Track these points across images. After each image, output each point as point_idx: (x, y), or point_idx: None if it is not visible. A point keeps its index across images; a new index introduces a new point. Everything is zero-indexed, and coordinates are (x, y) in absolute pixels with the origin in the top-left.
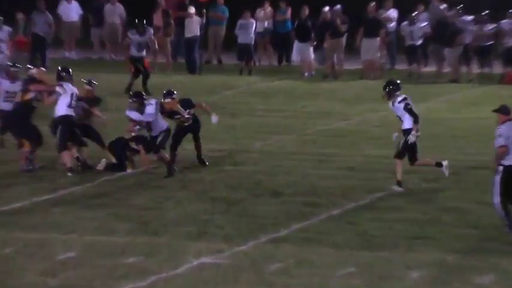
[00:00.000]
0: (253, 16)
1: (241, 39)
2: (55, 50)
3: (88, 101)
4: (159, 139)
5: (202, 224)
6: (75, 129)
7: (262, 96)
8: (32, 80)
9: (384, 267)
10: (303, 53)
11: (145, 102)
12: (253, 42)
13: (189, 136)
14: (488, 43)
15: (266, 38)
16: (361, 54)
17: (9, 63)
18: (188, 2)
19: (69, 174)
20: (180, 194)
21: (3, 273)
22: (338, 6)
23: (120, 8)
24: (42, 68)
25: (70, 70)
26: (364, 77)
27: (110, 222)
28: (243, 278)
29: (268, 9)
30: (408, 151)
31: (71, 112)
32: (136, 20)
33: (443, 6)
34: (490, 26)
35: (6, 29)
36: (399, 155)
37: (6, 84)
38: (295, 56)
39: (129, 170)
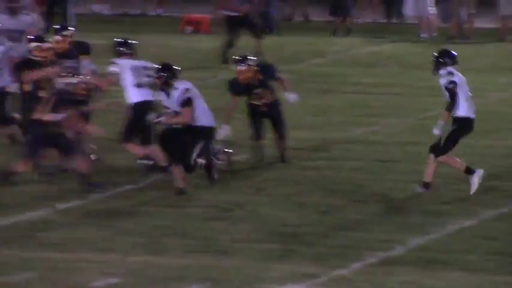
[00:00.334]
0: None
1: None
2: (80, 2)
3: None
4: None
5: (287, 240)
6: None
7: (365, 65)
8: (26, 63)
9: None
10: (420, 5)
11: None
12: None
13: None
14: None
15: None
16: (500, 7)
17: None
18: None
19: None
20: (254, 199)
21: None
22: None
23: None
24: (58, 37)
25: (131, 42)
26: (504, 38)
27: (160, 238)
28: None
29: None
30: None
31: (144, 95)
32: None
33: None
34: None
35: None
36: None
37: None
38: (409, 10)
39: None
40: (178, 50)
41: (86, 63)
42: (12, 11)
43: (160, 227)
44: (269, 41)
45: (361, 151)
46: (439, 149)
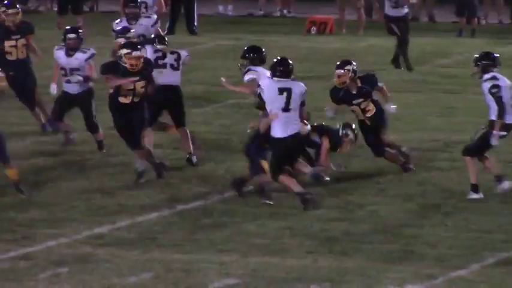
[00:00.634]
0: None
1: None
2: (205, 4)
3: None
4: None
5: (408, 241)
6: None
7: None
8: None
9: None
10: None
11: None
12: None
13: None
14: None
15: None
16: None
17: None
18: None
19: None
20: (376, 199)
21: None
22: None
23: None
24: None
25: (261, 49)
26: None
27: (281, 239)
28: None
29: None
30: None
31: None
32: None
33: None
34: None
35: None
36: (468, 151)
37: None
38: None
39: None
40: (302, 51)
41: None
42: (131, 17)
43: (281, 228)
44: (393, 43)
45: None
46: (470, 148)
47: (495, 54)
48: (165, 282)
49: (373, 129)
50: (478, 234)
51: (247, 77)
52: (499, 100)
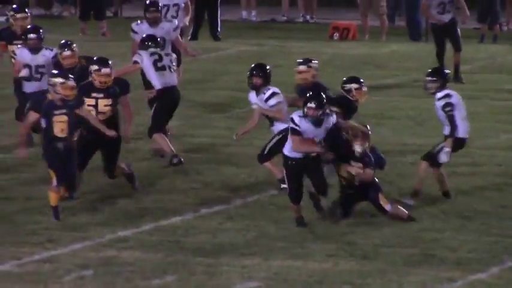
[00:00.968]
0: None
1: None
2: (228, 9)
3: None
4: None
5: (428, 245)
6: None
7: (511, 72)
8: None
9: None
10: None
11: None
12: None
13: None
14: None
15: None
16: None
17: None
18: None
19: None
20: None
21: None
22: None
23: None
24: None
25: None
26: None
27: (303, 242)
28: None
29: None
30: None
31: None
32: None
33: None
34: None
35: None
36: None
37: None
38: None
39: None
40: (325, 57)
41: None
42: (152, 21)
43: (303, 231)
44: (417, 48)
45: (504, 157)
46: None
47: (447, 71)
48: (188, 285)
49: None
50: (498, 238)
51: (274, 101)
52: (451, 118)
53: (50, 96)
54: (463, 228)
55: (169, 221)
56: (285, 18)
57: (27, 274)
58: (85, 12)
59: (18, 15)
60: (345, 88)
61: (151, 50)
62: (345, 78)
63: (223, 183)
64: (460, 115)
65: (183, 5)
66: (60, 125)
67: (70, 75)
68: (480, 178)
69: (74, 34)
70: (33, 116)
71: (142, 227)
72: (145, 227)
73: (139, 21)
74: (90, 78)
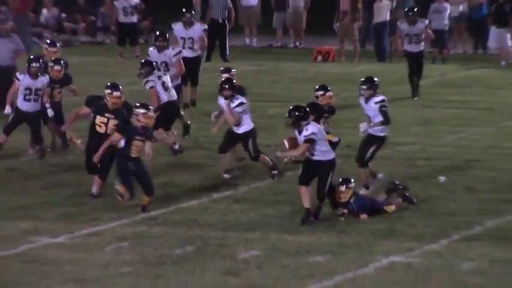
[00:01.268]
0: (447, 0)
1: (434, 25)
2: (235, 37)
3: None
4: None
5: (392, 222)
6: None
7: (457, 86)
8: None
9: None
10: (500, 39)
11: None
12: (447, 28)
13: None
14: None
15: (461, 24)
16: None
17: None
18: None
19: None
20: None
21: (184, 272)
22: None
23: None
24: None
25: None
26: None
27: (295, 220)
28: (434, 278)
29: None
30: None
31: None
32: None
33: None
34: None
35: (201, 27)
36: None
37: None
38: (491, 43)
39: None
40: (310, 74)
41: None
42: (160, 48)
43: (293, 211)
44: (383, 67)
45: (451, 153)
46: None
47: (376, 80)
48: (203, 254)
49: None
50: (446, 217)
51: (239, 109)
52: (386, 113)
53: (133, 122)
54: (420, 209)
55: (188, 204)
56: (279, 44)
57: (77, 245)
58: (122, 39)
59: (51, 49)
60: (315, 95)
61: (158, 73)
62: (316, 87)
63: (231, 175)
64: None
65: (197, 37)
66: (136, 148)
67: (150, 107)
68: (433, 169)
69: (113, 57)
70: (85, 110)
71: (167, 208)
72: (170, 208)
73: (151, 48)
74: (104, 101)
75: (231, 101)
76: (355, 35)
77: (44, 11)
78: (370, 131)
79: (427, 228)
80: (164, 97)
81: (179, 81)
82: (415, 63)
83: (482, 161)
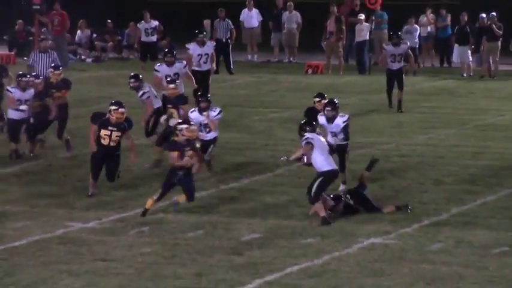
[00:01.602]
0: (417, 22)
1: None
2: (238, 53)
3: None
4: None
5: None
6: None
7: (426, 94)
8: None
9: None
10: (462, 55)
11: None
12: (417, 46)
13: None
14: None
15: (429, 42)
16: None
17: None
18: (358, 9)
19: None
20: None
21: (195, 252)
22: (494, 13)
23: (296, 15)
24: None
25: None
26: None
27: (288, 207)
28: (407, 257)
29: (431, 15)
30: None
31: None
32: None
33: None
34: None
35: (211, 44)
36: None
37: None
38: (455, 58)
39: None
40: (302, 85)
41: None
42: (169, 63)
43: (288, 200)
44: (363, 79)
45: (422, 150)
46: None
47: (337, 101)
48: (212, 236)
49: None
50: (417, 204)
51: (219, 116)
52: (348, 132)
53: (176, 138)
54: (395, 198)
55: (199, 194)
56: (276, 59)
57: (105, 229)
58: (144, 55)
59: (55, 72)
60: (313, 101)
61: (147, 84)
62: (314, 94)
63: (236, 168)
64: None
65: (210, 54)
66: (188, 158)
67: (191, 122)
68: (405, 165)
69: (136, 70)
70: (93, 127)
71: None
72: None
73: (159, 64)
74: (107, 116)
75: (212, 110)
76: (340, 52)
77: (79, 32)
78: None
79: (401, 214)
80: (156, 104)
81: (182, 90)
82: (396, 78)
83: (447, 158)
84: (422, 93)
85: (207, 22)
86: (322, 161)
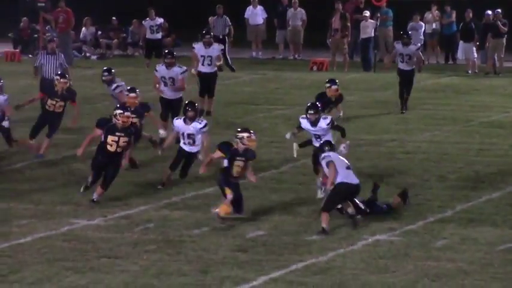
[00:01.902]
0: (422, 19)
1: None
2: (243, 50)
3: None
4: None
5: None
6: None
7: (431, 91)
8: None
9: None
10: (467, 52)
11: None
12: (422, 43)
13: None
14: None
15: (434, 39)
16: None
17: None
18: (363, 6)
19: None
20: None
21: (200, 249)
22: (499, 10)
23: (301, 12)
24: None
25: None
26: None
27: (293, 205)
28: (412, 253)
29: (436, 12)
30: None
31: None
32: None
33: None
34: None
35: (218, 46)
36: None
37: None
38: (460, 55)
39: None
40: (307, 82)
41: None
42: (168, 65)
43: (293, 198)
44: (368, 76)
45: (427, 147)
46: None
47: (319, 105)
48: (217, 233)
49: None
50: (423, 201)
51: (206, 129)
52: (339, 126)
53: (235, 145)
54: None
55: (204, 191)
56: (281, 56)
57: (110, 226)
58: (149, 52)
59: (62, 80)
60: (325, 86)
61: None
62: (326, 80)
63: None
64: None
65: (215, 56)
66: (237, 168)
67: (251, 131)
68: (411, 161)
69: (141, 67)
70: (97, 132)
71: (186, 194)
72: (188, 195)
73: (160, 64)
74: (113, 121)
75: (198, 121)
76: (345, 49)
77: (83, 29)
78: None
79: (406, 211)
80: (125, 99)
81: (181, 94)
82: (406, 79)
83: (452, 154)
84: (427, 90)
85: (212, 19)
86: (340, 176)
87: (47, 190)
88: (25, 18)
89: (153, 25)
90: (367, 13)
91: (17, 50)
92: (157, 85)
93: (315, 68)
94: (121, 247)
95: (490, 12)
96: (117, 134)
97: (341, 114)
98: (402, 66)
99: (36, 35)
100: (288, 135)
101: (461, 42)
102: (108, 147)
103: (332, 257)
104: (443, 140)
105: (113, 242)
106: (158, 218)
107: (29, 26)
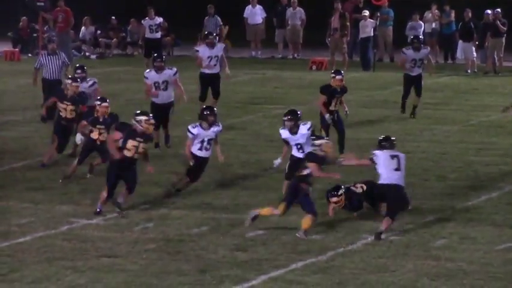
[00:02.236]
0: (421, 18)
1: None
2: (242, 50)
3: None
4: None
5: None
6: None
7: (430, 90)
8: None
9: None
10: (467, 51)
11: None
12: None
13: None
14: None
15: (433, 38)
16: None
17: None
18: (363, 6)
19: None
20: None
21: (199, 249)
22: (498, 9)
23: (300, 12)
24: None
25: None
26: None
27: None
28: (411, 253)
29: (435, 11)
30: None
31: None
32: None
33: None
34: None
35: (220, 46)
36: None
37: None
38: (459, 55)
39: None
40: (306, 81)
41: None
42: (158, 69)
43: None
44: (368, 75)
45: (426, 146)
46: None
47: (299, 112)
48: (216, 232)
49: None
50: (422, 200)
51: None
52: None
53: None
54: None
55: (204, 190)
56: (280, 55)
57: (110, 225)
58: (148, 52)
59: (73, 84)
60: (330, 76)
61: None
62: (332, 70)
63: (240, 166)
64: None
65: (220, 56)
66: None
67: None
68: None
69: (141, 67)
70: (118, 135)
71: (186, 194)
72: (188, 194)
73: (148, 70)
74: (134, 126)
75: (217, 126)
76: (344, 48)
77: (83, 28)
78: None
79: (406, 211)
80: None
81: (172, 98)
82: (415, 84)
83: (451, 154)
84: (427, 90)
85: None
86: (382, 176)
87: (46, 190)
88: (24, 17)
89: (153, 24)
90: (366, 12)
91: (17, 49)
92: (151, 90)
93: (314, 67)
94: (120, 246)
95: (489, 11)
96: (137, 139)
97: (347, 110)
98: (415, 71)
99: (35, 35)
100: (276, 162)
101: (460, 41)
102: (127, 152)
103: (331, 256)
104: (443, 139)
105: (113, 241)
106: (158, 217)
107: (28, 26)
